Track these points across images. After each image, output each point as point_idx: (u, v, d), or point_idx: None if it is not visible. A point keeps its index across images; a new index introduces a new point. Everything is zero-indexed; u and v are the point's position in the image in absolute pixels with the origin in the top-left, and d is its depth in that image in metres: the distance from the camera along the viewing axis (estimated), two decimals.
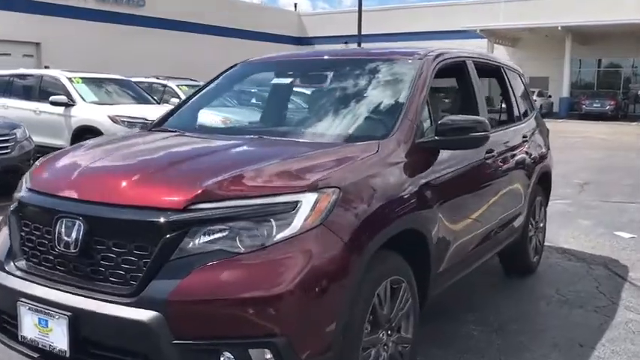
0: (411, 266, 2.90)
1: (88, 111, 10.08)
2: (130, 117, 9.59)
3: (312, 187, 2.39)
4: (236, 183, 2.39)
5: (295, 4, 50.66)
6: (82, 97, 10.39)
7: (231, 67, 4.11)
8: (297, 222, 2.30)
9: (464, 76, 3.95)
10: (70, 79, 10.68)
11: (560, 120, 30.45)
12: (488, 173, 3.83)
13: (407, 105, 3.16)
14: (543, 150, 5.16)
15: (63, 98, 10.20)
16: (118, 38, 30.02)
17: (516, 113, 4.77)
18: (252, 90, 6.07)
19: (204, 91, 4.02)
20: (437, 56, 3.58)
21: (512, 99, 4.77)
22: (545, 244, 5.85)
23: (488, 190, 3.84)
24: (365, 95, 3.44)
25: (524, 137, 4.67)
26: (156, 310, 2.18)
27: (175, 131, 3.44)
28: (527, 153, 4.67)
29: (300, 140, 3.06)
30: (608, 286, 4.79)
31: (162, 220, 2.26)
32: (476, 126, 3.16)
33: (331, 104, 3.48)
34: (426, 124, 3.30)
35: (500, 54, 34.87)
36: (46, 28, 27.62)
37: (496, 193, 3.96)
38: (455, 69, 3.91)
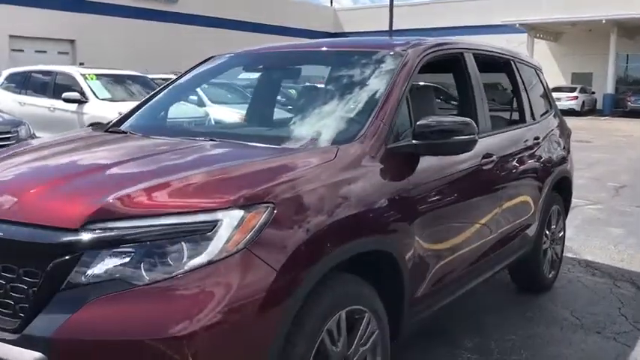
0: (379, 292, 2.47)
1: (99, 108, 9.88)
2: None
3: (238, 203, 1.98)
4: (143, 197, 1.99)
5: (331, 0, 50.21)
6: (94, 94, 10.20)
7: (203, 62, 3.73)
8: (215, 246, 1.89)
9: (460, 71, 3.48)
10: (84, 75, 10.52)
11: (604, 117, 29.23)
12: (484, 181, 3.35)
13: (380, 104, 2.71)
14: (562, 153, 4.62)
15: (75, 95, 10.04)
16: (151, 35, 30.12)
17: (528, 112, 4.26)
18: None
19: (172, 86, 3.65)
20: (424, 48, 3.12)
21: (524, 97, 4.25)
22: (567, 255, 5.31)
23: (486, 200, 3.36)
24: (335, 92, 3.02)
25: (536, 139, 4.15)
26: (39, 351, 1.81)
27: (125, 133, 3.08)
28: (539, 156, 4.15)
29: (251, 144, 2.65)
30: (633, 307, 4.24)
31: (51, 241, 1.89)
32: (461, 128, 2.70)
33: (297, 102, 3.07)
34: (407, 125, 2.85)
35: (542, 49, 33.73)
36: (81, 26, 27.86)
37: (496, 202, 3.48)
38: (449, 62, 3.45)
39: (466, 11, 36.72)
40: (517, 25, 32.64)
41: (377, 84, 2.88)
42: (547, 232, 4.42)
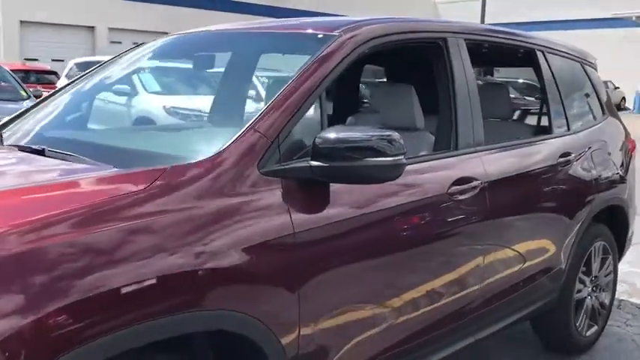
0: None
1: (145, 102, 9.57)
2: (183, 108, 8.94)
3: None
4: None
5: None
6: (144, 87, 9.91)
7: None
8: None
9: (439, 64, 2.56)
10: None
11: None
12: (457, 216, 2.41)
13: (266, 108, 1.89)
14: (612, 174, 3.52)
15: (125, 88, 9.78)
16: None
17: (558, 120, 3.22)
18: None
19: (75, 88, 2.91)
20: (369, 32, 2.24)
21: (553, 99, 3.22)
22: (627, 298, 4.18)
23: (456, 243, 2.44)
24: (229, 90, 2.24)
25: (564, 156, 3.09)
26: None
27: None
28: (567, 179, 3.11)
29: (68, 159, 1.92)
30: None
31: None
32: (381, 146, 1.83)
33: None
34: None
35: None
36: (171, 19, 28.39)
37: (479, 245, 2.53)
38: (420, 53, 2.55)
39: (574, 2, 33.85)
40: (634, 18, 29.64)
41: (278, 80, 2.07)
42: (584, 277, 3.36)
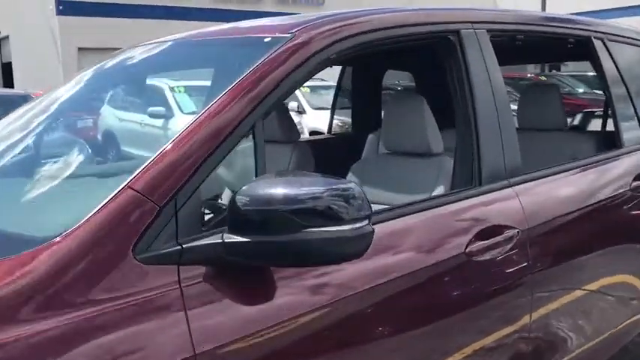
0: None
1: (181, 124, 9.20)
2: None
3: None
4: None
5: None
6: (180, 108, 9.52)
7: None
8: None
9: (453, 67, 1.85)
10: (172, 88, 9.88)
11: None
12: (485, 284, 1.69)
13: (158, 154, 1.25)
14: None
15: (160, 110, 9.42)
16: None
17: (629, 128, 2.41)
18: None
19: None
20: (329, 32, 1.56)
21: (621, 100, 2.42)
22: None
23: (484, 324, 1.71)
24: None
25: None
26: None
27: None
28: None
29: None
30: None
31: None
32: (334, 208, 1.16)
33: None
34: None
35: None
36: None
37: (521, 318, 1.80)
38: (432, 52, 1.86)
39: None
40: None
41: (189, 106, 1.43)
42: None
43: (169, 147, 1.26)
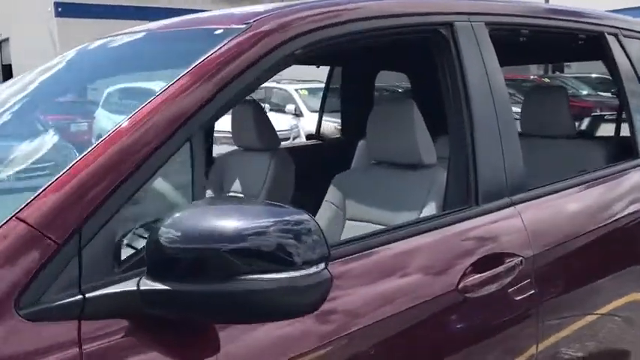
0: None
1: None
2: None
3: None
4: None
5: None
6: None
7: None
8: None
9: (445, 66, 1.58)
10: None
11: None
12: (483, 323, 1.42)
13: (68, 169, 0.98)
14: None
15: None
16: None
17: None
18: None
19: None
20: (290, 23, 1.28)
21: (639, 105, 2.15)
22: None
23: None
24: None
25: None
26: None
27: None
28: None
29: None
30: None
31: None
32: (282, 248, 0.89)
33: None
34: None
35: None
36: None
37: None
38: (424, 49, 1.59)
39: None
40: None
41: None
42: None
43: (77, 164, 0.99)
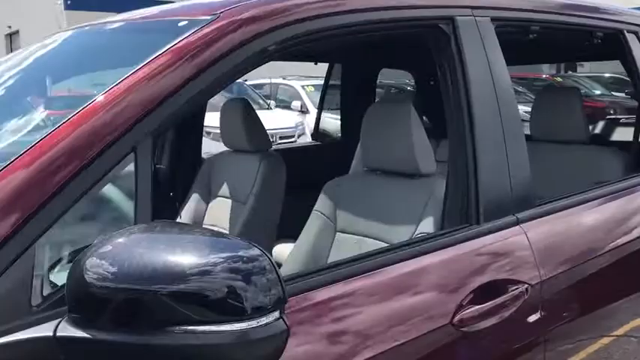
0: None
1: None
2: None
3: None
4: None
5: None
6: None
7: None
8: None
9: (445, 65, 1.41)
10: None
11: None
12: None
13: None
14: None
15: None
16: None
17: None
18: None
19: None
20: (262, 14, 1.11)
21: None
22: None
23: None
24: None
25: None
26: None
27: None
28: None
29: None
30: None
31: None
32: (232, 291, 0.72)
33: None
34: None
35: None
36: None
37: None
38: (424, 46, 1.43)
39: None
40: None
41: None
42: None
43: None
